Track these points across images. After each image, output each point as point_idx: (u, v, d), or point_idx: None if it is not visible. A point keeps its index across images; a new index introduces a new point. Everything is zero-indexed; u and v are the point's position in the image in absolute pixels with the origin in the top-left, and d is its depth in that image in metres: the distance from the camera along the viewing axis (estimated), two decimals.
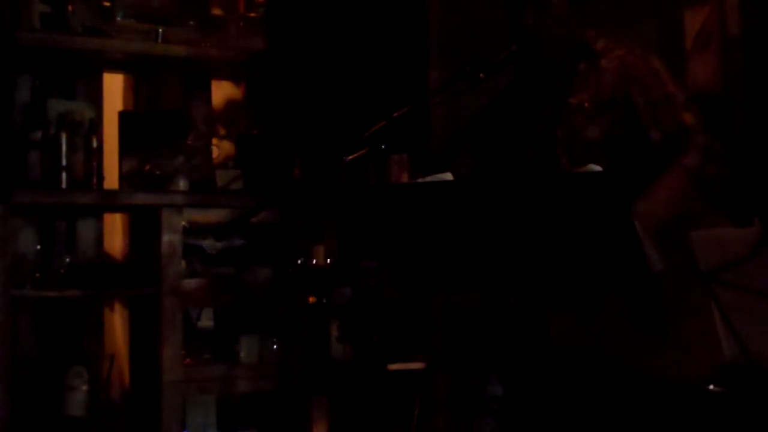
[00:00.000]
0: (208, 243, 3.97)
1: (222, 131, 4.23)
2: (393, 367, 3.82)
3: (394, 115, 2.29)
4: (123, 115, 4.01)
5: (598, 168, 1.80)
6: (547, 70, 2.56)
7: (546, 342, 2.37)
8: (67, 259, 3.85)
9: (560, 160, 2.45)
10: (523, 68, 2.58)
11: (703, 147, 2.36)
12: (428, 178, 1.95)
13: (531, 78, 2.59)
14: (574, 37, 2.55)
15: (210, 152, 4.14)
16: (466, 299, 3.59)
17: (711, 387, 2.21)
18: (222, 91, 4.31)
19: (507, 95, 2.62)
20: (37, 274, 3.74)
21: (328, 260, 3.88)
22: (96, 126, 3.87)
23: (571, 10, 2.53)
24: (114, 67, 4.06)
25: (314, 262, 3.87)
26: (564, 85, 2.52)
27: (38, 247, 3.83)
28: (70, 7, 3.87)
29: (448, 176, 1.94)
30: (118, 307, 4.03)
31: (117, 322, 4.03)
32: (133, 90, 4.13)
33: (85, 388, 3.70)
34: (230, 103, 4.31)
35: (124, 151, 3.94)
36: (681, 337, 2.23)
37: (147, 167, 3.93)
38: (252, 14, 4.24)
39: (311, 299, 3.93)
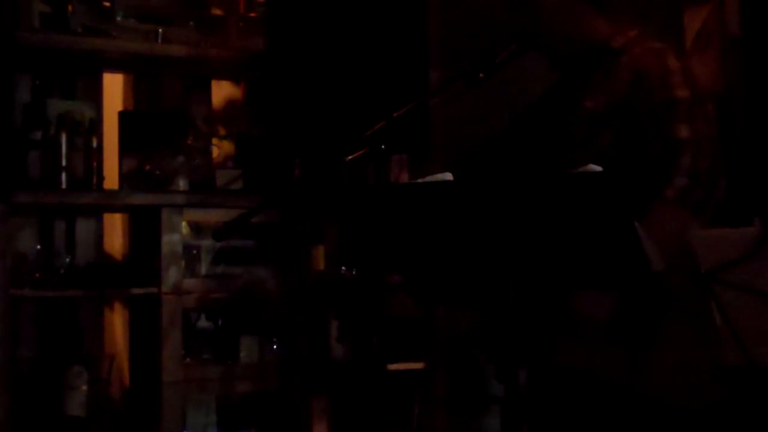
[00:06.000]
0: (207, 243, 3.97)
1: (222, 131, 4.23)
2: (393, 367, 3.81)
3: (394, 115, 2.27)
4: (123, 115, 4.01)
5: (598, 168, 1.79)
6: (561, 71, 2.43)
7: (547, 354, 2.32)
8: (67, 259, 3.85)
9: (576, 165, 2.34)
10: (564, 72, 2.47)
11: (687, 171, 2.18)
12: (428, 178, 1.94)
13: (566, 81, 2.43)
14: (584, 34, 2.39)
15: (210, 152, 4.14)
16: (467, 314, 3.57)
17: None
18: (222, 91, 4.31)
19: (546, 100, 2.50)
20: (37, 274, 3.74)
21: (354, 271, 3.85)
22: (96, 126, 3.87)
23: (577, 6, 2.41)
24: (114, 67, 4.06)
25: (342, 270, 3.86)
26: (580, 87, 2.37)
27: (38, 247, 3.83)
28: (70, 7, 3.87)
29: (448, 176, 1.93)
30: (118, 307, 4.03)
31: (117, 322, 4.03)
32: (133, 90, 4.13)
33: (85, 388, 3.70)
34: (230, 103, 4.31)
35: (124, 151, 3.94)
36: (680, 345, 2.19)
37: (147, 167, 3.93)
38: (252, 14, 4.24)
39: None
